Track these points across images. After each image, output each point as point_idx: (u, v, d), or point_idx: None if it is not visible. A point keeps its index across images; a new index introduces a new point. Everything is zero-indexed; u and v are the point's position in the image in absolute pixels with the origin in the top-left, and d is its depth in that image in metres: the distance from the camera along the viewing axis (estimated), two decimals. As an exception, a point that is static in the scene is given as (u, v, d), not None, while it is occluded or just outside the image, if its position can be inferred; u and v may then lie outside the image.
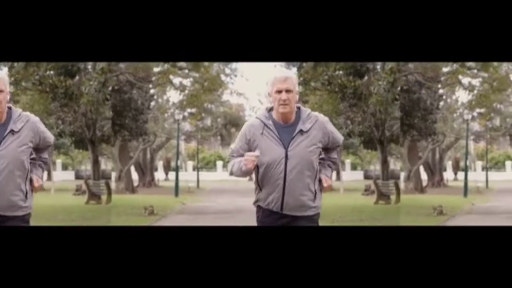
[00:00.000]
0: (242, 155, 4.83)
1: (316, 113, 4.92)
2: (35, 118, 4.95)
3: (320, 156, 4.93)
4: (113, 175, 22.92)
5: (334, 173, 4.95)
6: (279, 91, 4.77)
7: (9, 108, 4.87)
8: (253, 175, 4.94)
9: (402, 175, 22.64)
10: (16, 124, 4.82)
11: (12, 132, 4.80)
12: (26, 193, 4.85)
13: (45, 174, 5.09)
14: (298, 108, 4.91)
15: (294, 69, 20.45)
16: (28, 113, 4.94)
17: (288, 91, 4.77)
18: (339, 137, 4.98)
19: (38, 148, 4.99)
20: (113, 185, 21.32)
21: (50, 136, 5.04)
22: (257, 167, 4.82)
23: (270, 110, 4.91)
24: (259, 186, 4.87)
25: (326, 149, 4.96)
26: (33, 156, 4.99)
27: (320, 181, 4.88)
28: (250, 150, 4.84)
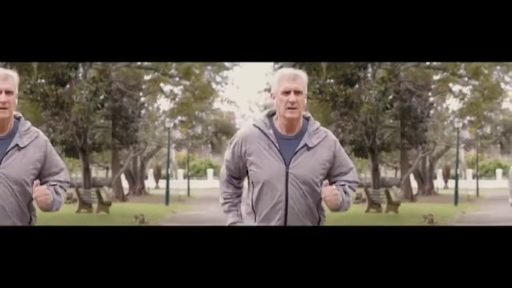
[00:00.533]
0: (238, 172, 4.13)
1: (326, 129, 4.11)
2: (45, 137, 4.06)
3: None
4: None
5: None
6: (287, 92, 3.93)
7: (18, 118, 4.00)
8: (244, 194, 4.19)
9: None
10: (22, 139, 3.94)
11: (18, 147, 3.92)
12: (30, 219, 4.03)
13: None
14: (307, 119, 4.09)
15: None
16: (37, 129, 4.06)
17: (297, 92, 3.93)
18: (349, 162, 4.15)
19: (44, 175, 4.05)
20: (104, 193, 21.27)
21: (59, 160, 4.11)
22: (252, 186, 4.08)
23: (271, 116, 4.09)
24: (254, 211, 4.07)
25: (332, 178, 4.11)
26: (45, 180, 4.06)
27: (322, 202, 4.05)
28: (244, 163, 4.06)
